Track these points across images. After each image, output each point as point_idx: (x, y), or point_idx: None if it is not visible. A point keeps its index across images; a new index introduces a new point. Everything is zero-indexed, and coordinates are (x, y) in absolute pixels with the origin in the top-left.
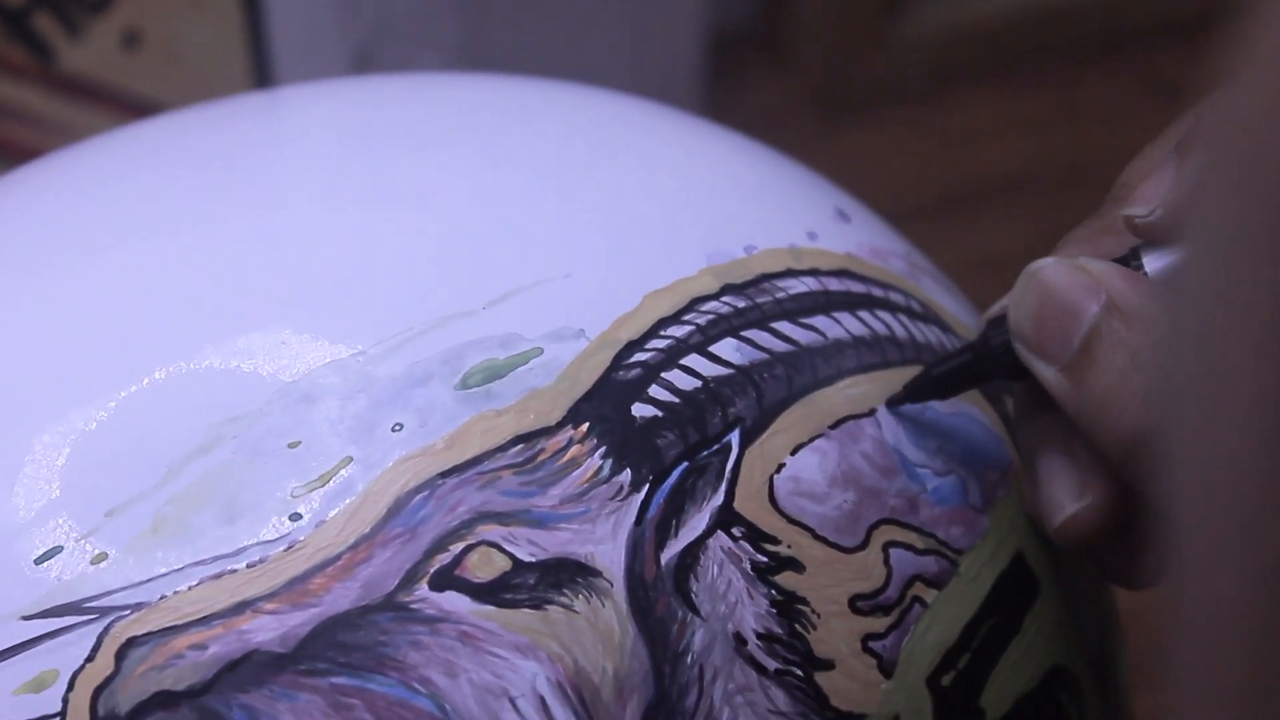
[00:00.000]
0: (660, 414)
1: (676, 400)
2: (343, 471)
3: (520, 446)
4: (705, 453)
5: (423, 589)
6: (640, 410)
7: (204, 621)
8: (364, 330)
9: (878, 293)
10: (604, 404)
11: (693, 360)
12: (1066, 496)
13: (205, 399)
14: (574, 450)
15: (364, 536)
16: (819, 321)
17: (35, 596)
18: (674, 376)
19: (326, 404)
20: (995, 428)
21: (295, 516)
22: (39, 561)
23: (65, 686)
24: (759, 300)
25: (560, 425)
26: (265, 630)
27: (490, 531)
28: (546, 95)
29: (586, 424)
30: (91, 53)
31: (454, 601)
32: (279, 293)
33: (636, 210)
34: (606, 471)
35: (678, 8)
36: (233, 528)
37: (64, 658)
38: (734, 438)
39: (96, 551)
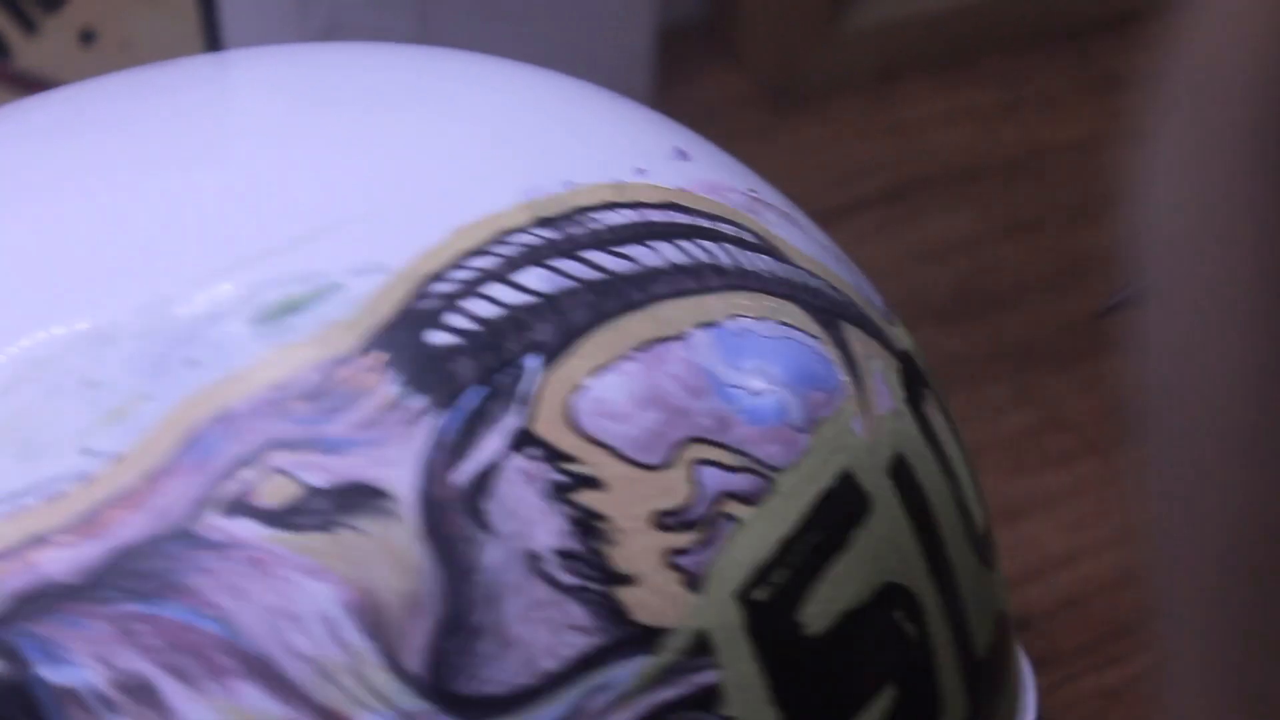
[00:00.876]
0: (457, 341)
1: (475, 327)
2: (138, 408)
3: (313, 377)
4: (501, 376)
5: (213, 517)
6: (437, 338)
7: None
8: (166, 273)
9: (705, 223)
10: (400, 333)
11: (495, 289)
12: None
13: (5, 343)
14: (367, 378)
15: (158, 468)
16: (634, 250)
17: None
18: (474, 305)
19: (124, 344)
20: (823, 349)
21: (89, 453)
22: None
23: None
24: (571, 231)
25: (354, 355)
26: (58, 563)
27: (281, 459)
28: (376, 49)
29: (381, 353)
30: (48, 50)
31: (244, 528)
32: (79, 242)
33: (451, 150)
34: (399, 398)
35: (626, 1)
36: (28, 465)
37: None
38: (532, 361)
39: None
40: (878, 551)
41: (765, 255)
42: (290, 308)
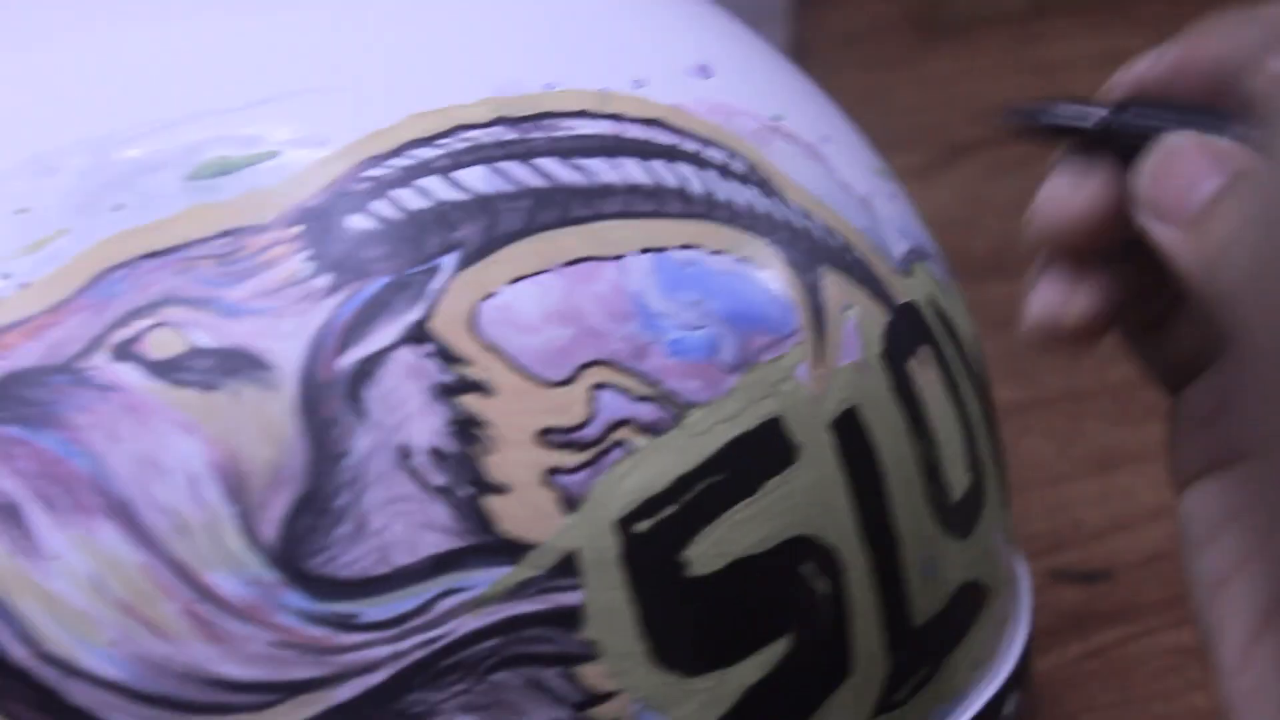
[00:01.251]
0: (377, 228)
1: (399, 217)
2: (57, 241)
3: (226, 239)
4: (412, 270)
5: (101, 358)
6: (358, 222)
7: None
8: (121, 114)
9: (688, 146)
10: (322, 212)
11: (430, 182)
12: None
13: None
14: (278, 250)
15: (60, 302)
16: (592, 163)
17: None
18: (404, 194)
19: (63, 177)
20: (783, 291)
21: (6, 275)
22: None
23: None
24: (530, 135)
25: (271, 225)
26: None
27: (175, 315)
28: None
29: (298, 227)
30: None
31: (127, 374)
32: (42, 77)
33: (433, 31)
34: (305, 274)
35: None
36: None
37: None
38: (447, 260)
39: None
40: (794, 503)
41: (752, 187)
42: (223, 169)
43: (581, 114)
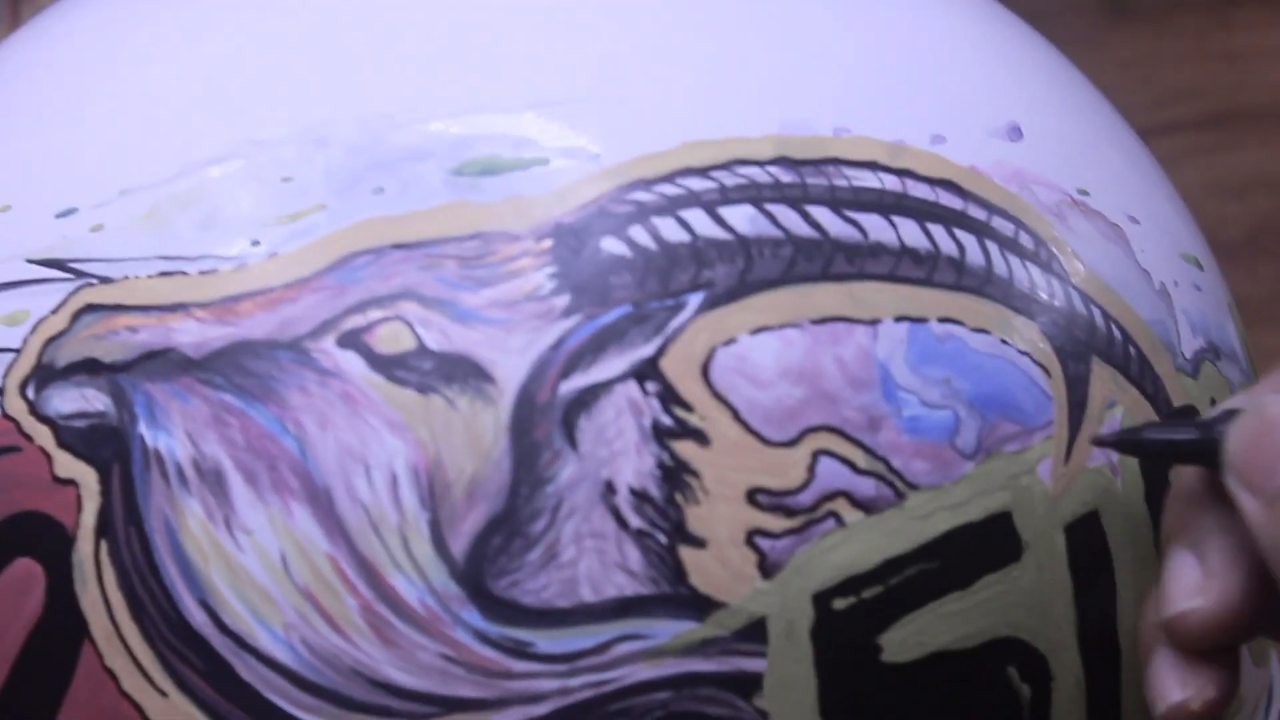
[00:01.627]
0: (629, 255)
1: (653, 247)
2: (314, 215)
3: (477, 242)
4: (655, 304)
5: (328, 342)
6: (610, 246)
7: (145, 309)
8: (399, 97)
9: (976, 213)
10: (579, 229)
11: (694, 214)
12: (1182, 593)
13: (239, 117)
14: (524, 261)
15: (301, 279)
16: (868, 220)
17: (43, 244)
18: (664, 224)
19: (333, 151)
20: (1044, 382)
21: (255, 243)
22: (58, 216)
23: (29, 329)
24: (810, 180)
25: (524, 235)
26: (188, 334)
27: (410, 311)
28: None
29: (548, 240)
30: None
31: (351, 362)
32: (335, 37)
33: (717, 54)
34: (546, 291)
35: None
36: (203, 235)
37: (38, 304)
38: (693, 299)
39: (98, 221)
40: (1009, 603)
41: (1036, 266)
42: (490, 169)
43: (870, 165)
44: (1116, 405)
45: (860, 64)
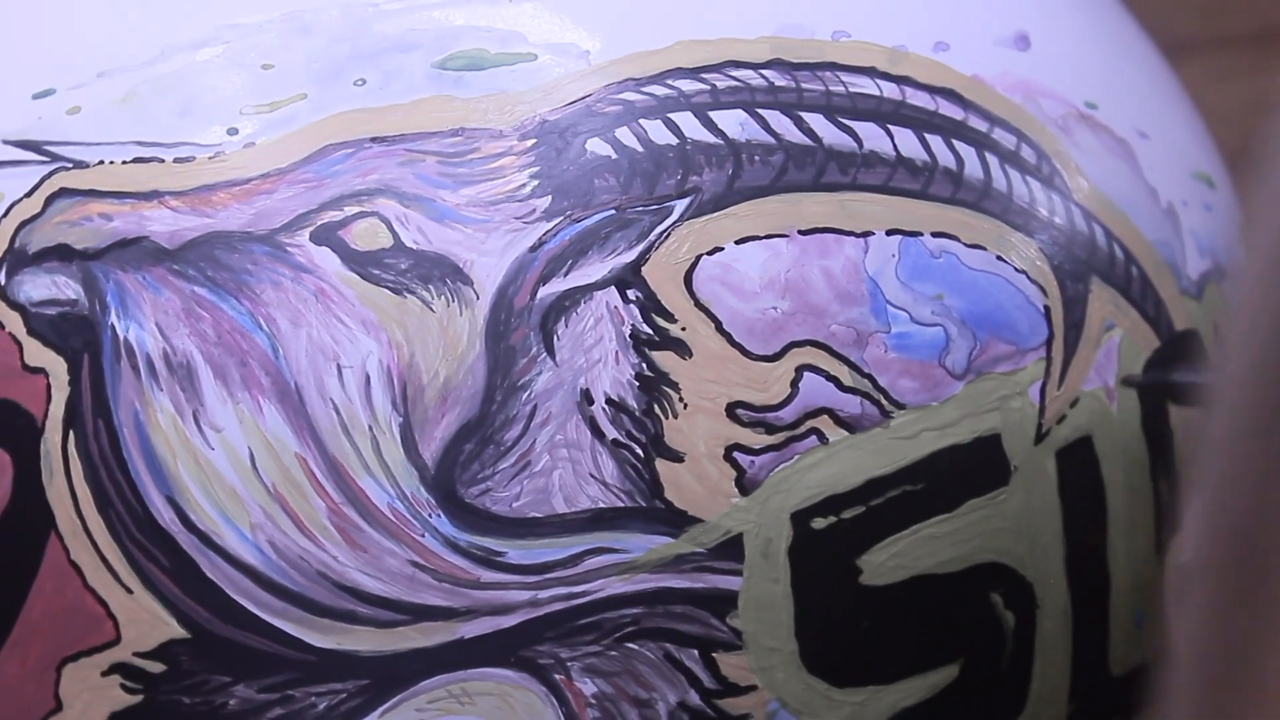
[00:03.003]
0: (614, 157)
1: (639, 149)
2: (293, 105)
3: (458, 138)
4: (639, 208)
5: (303, 236)
6: (596, 146)
7: (120, 196)
8: None
9: (978, 124)
10: (563, 128)
11: (683, 117)
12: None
13: (219, 3)
14: (506, 160)
15: (277, 170)
16: (864, 128)
17: (19, 126)
18: (652, 126)
19: (316, 39)
20: (1041, 300)
21: (233, 131)
22: (35, 97)
23: (2, 212)
24: (806, 85)
25: (508, 132)
26: (162, 223)
27: (388, 207)
28: None
29: (532, 139)
30: None
31: (325, 258)
32: None
33: None
34: (527, 191)
35: None
36: (180, 122)
37: (13, 187)
38: (679, 205)
39: (74, 104)
40: (995, 528)
41: (1037, 180)
42: (475, 63)
43: (869, 71)
44: (1115, 328)
45: None
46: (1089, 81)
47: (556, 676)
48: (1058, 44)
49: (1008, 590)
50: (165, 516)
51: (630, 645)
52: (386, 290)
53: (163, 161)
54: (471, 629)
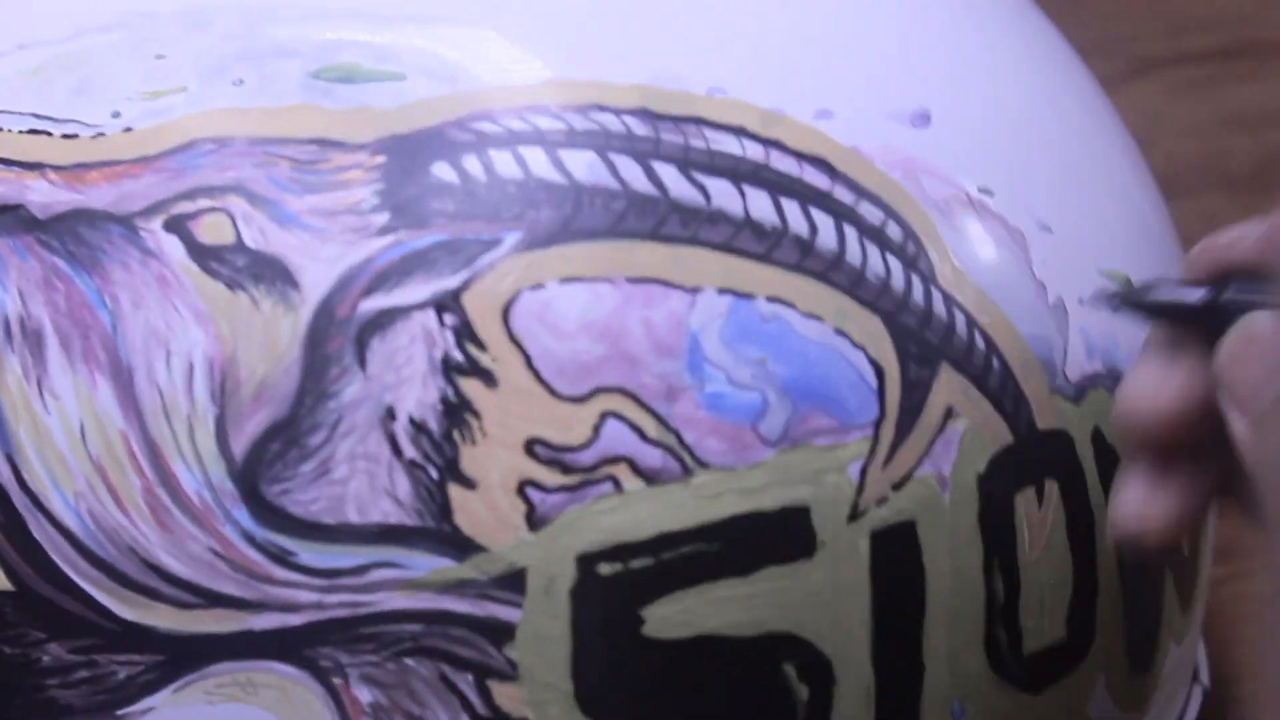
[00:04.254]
0: (457, 183)
1: (482, 179)
2: (173, 96)
3: (314, 147)
4: (470, 236)
5: (156, 223)
6: (442, 171)
7: (9, 164)
8: None
9: (843, 196)
10: (414, 150)
11: (533, 153)
12: (1132, 511)
13: None
14: (354, 174)
15: (146, 157)
16: (716, 185)
17: None
18: (500, 158)
19: (209, 36)
20: (875, 382)
21: (116, 115)
22: None
23: None
24: (664, 136)
25: (360, 147)
26: (39, 194)
27: (236, 205)
28: None
29: (381, 157)
30: None
31: (173, 246)
32: None
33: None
34: (367, 206)
35: None
36: (75, 100)
37: None
38: (510, 238)
39: None
40: (793, 599)
41: (897, 260)
42: (347, 76)
43: (736, 130)
44: (960, 417)
45: (750, 26)
46: (991, 167)
47: (335, 680)
48: (965, 125)
49: (803, 662)
50: (4, 472)
51: (408, 661)
52: (221, 285)
53: (51, 136)
54: (261, 622)
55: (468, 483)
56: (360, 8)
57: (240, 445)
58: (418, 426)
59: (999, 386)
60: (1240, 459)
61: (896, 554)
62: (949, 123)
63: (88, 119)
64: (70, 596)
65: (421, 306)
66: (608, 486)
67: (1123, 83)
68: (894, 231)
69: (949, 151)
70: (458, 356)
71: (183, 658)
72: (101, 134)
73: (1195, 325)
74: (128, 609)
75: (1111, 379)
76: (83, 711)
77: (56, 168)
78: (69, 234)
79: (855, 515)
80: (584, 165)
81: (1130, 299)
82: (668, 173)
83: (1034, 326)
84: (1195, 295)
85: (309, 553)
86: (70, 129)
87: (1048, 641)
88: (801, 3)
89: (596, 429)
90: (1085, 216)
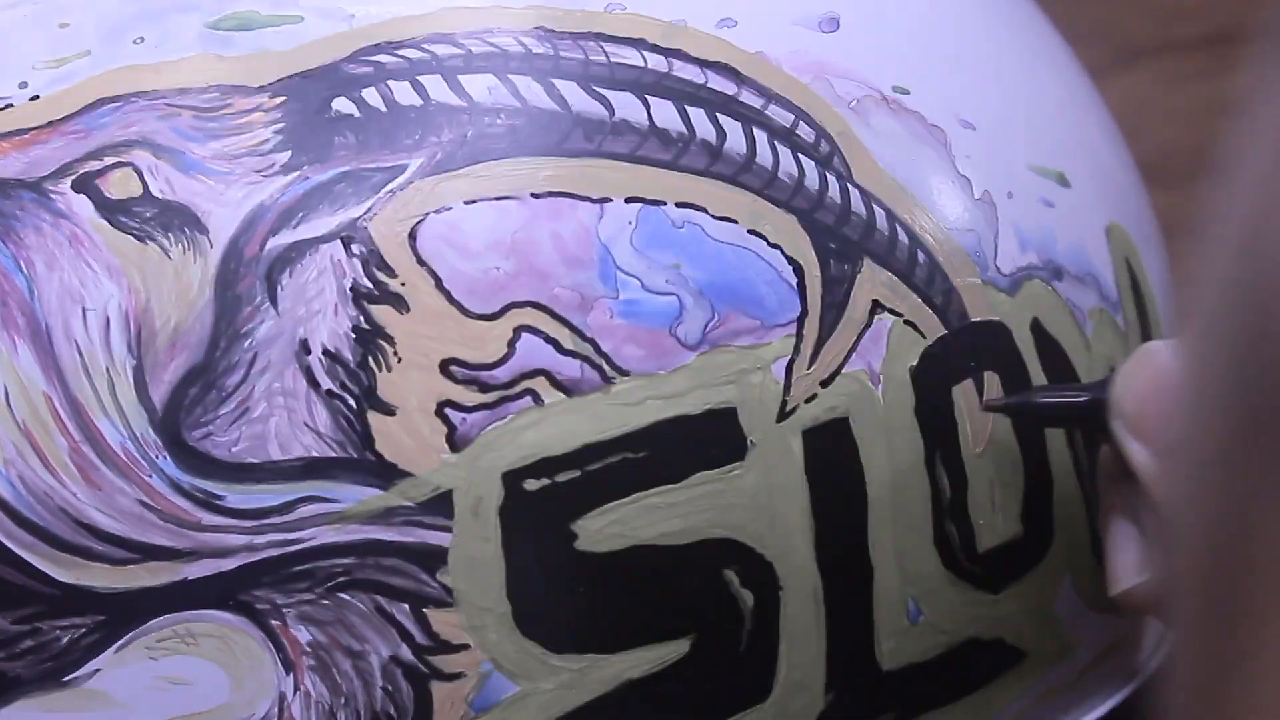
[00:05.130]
0: (357, 115)
1: (383, 109)
2: (76, 62)
3: (214, 94)
4: (372, 165)
5: (65, 184)
6: (341, 105)
7: None
8: None
9: (750, 99)
10: (312, 87)
11: (432, 80)
12: (1126, 569)
13: None
14: (255, 116)
15: (53, 121)
16: (618, 97)
17: None
18: (399, 88)
19: (109, 1)
20: (793, 278)
21: (23, 85)
22: None
23: None
24: (564, 53)
25: (260, 89)
26: None
27: (141, 158)
28: None
29: (281, 97)
30: None
31: (81, 206)
32: None
33: None
34: (269, 146)
35: None
36: None
37: None
38: (413, 163)
39: None
40: (727, 503)
41: (812, 159)
42: (244, 24)
43: (637, 42)
44: (886, 311)
45: None
46: (905, 67)
47: (273, 622)
48: (875, 28)
49: (744, 568)
50: None
51: (342, 595)
52: (131, 237)
53: None
54: (194, 570)
55: (386, 409)
56: None
57: (160, 394)
58: (332, 357)
59: (926, 279)
60: (1144, 489)
61: (831, 451)
62: (860, 27)
63: None
64: (7, 565)
65: (328, 239)
66: (527, 401)
67: (1111, 72)
68: (805, 132)
69: (860, 54)
70: (366, 284)
71: (122, 616)
72: (10, 105)
73: (1074, 422)
74: (64, 571)
75: (1048, 270)
76: (30, 681)
77: None
78: None
79: (784, 414)
80: (483, 88)
81: (1020, 407)
82: (568, 88)
83: (960, 219)
84: (1080, 395)
85: (235, 495)
86: None
87: (1003, 538)
88: None
89: (511, 344)
90: (1013, 116)
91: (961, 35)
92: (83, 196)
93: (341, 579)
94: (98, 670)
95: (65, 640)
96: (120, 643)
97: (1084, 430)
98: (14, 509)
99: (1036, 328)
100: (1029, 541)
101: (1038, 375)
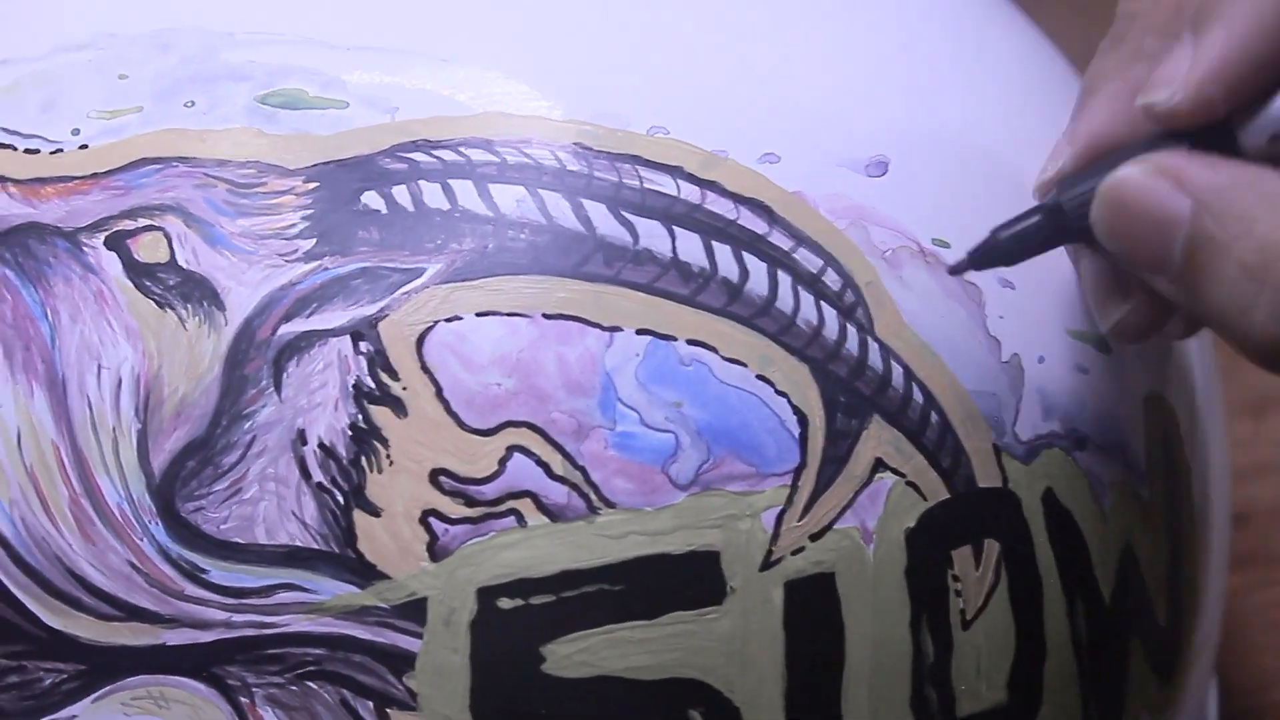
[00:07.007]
0: (384, 212)
1: (410, 209)
2: (128, 116)
3: (251, 171)
4: (392, 265)
5: (99, 239)
6: (370, 200)
7: None
8: (247, 16)
9: (779, 240)
10: (345, 177)
11: (463, 186)
12: (1112, 304)
13: (110, 8)
14: (286, 199)
15: (96, 174)
16: (646, 225)
17: None
18: (429, 189)
19: (169, 58)
20: (797, 429)
21: (75, 132)
22: None
23: None
24: (598, 173)
25: (295, 172)
26: None
27: (173, 225)
28: None
29: (315, 183)
30: None
31: (111, 263)
32: None
33: (561, 32)
34: (295, 231)
35: None
36: (41, 116)
37: None
38: (431, 268)
39: None
40: (699, 645)
41: (834, 308)
42: (291, 102)
43: (674, 169)
44: (887, 470)
45: (700, 67)
46: (948, 218)
47: (242, 700)
48: (923, 176)
49: (710, 710)
50: None
51: (310, 684)
52: (153, 303)
53: (15, 150)
54: (173, 637)
55: (372, 509)
56: (313, 35)
57: (159, 461)
58: (327, 451)
59: (936, 441)
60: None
61: (812, 605)
62: (907, 172)
63: (50, 135)
64: (3, 602)
65: (338, 333)
66: (510, 521)
67: None
68: (831, 279)
69: (903, 202)
70: (369, 384)
71: (102, 668)
72: (60, 150)
73: (1044, 245)
74: (53, 617)
75: (1070, 440)
76: (12, 715)
77: (16, 181)
78: (19, 247)
79: (769, 563)
80: (512, 200)
81: (981, 253)
82: (596, 210)
83: (980, 382)
84: (1034, 216)
85: (219, 571)
86: (33, 144)
87: (985, 705)
88: (756, 44)
89: (503, 463)
90: (1056, 275)
91: (1014, 188)
92: (113, 254)
93: (311, 668)
94: (74, 717)
95: (48, 682)
96: (98, 694)
97: (1053, 242)
98: (13, 548)
99: (1049, 497)
100: (1013, 709)
101: (1044, 547)
